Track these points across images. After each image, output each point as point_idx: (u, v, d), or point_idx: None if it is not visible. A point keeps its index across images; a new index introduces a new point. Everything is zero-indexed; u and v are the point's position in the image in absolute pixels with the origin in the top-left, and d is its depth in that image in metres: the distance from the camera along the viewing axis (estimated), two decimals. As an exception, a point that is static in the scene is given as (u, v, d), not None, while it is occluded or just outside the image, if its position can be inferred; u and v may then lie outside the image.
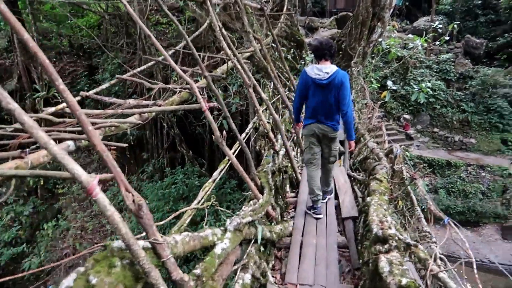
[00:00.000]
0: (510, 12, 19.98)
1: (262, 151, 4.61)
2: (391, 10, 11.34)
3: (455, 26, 13.17)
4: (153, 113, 3.14)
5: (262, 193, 3.27)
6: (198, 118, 13.76)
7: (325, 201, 4.44)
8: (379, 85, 13.15)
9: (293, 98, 7.68)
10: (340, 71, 3.96)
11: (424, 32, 16.93)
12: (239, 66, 4.53)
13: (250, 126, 4.92)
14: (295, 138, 6.20)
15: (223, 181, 12.86)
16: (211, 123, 2.78)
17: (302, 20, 23.32)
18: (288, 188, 4.75)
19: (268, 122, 5.63)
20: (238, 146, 4.56)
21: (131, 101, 3.23)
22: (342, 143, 6.92)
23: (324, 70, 3.94)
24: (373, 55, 13.76)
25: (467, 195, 15.17)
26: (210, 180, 3.58)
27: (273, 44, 8.70)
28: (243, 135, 4.45)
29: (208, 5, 4.37)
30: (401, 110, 18.74)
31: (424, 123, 18.45)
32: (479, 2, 20.86)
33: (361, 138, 5.99)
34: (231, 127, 3.13)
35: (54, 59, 16.17)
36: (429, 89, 13.82)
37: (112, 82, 3.79)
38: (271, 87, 7.01)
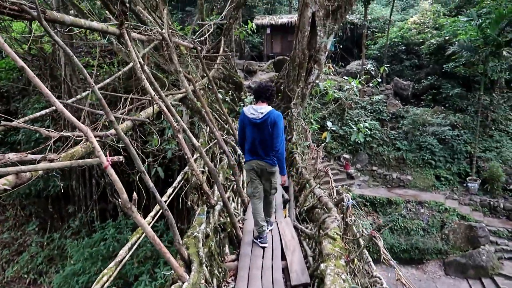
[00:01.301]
0: (431, 57, 21.65)
1: (195, 206, 3.90)
2: (326, 53, 11.50)
3: (386, 69, 13.76)
4: (39, 172, 2.35)
5: (190, 268, 2.54)
6: (133, 164, 12.69)
7: (268, 230, 4.54)
8: (318, 126, 13.16)
9: (231, 142, 7.13)
10: (274, 111, 4.29)
11: (358, 75, 17.66)
12: (165, 109, 3.88)
13: (179, 178, 4.21)
14: (235, 186, 5.57)
15: (160, 234, 11.73)
16: (114, 182, 2.06)
17: (240, 64, 23.51)
18: (227, 249, 4.03)
19: (203, 171, 4.96)
20: (169, 197, 3.82)
21: (11, 155, 2.42)
22: (286, 189, 6.40)
23: (259, 110, 4.27)
24: (311, 97, 13.85)
25: (409, 232, 15.30)
26: (130, 243, 2.78)
27: (210, 86, 8.23)
28: (170, 190, 3.73)
29: (126, 39, 3.74)
30: (341, 150, 19.01)
31: (363, 162, 18.79)
32: (403, 48, 22.42)
33: (306, 184, 5.50)
34: (148, 185, 2.42)
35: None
36: (366, 129, 14.11)
37: (-5, 130, 2.95)
38: (208, 130, 6.40)
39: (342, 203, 3.80)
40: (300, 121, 9.17)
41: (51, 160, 2.55)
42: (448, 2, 23.54)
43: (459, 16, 19.56)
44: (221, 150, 5.82)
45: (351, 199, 3.66)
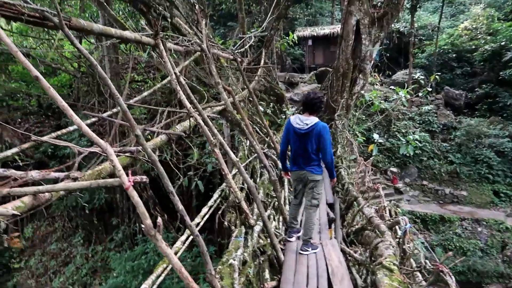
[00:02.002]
0: (485, 64, 20.30)
1: (233, 227, 3.59)
2: (372, 62, 10.98)
3: (437, 77, 12.94)
4: (60, 192, 2.15)
5: (224, 302, 2.23)
6: (173, 178, 12.71)
7: (308, 253, 4.30)
8: (364, 138, 12.54)
9: (272, 156, 6.81)
10: (320, 123, 4.29)
11: (405, 84, 16.83)
12: (201, 122, 3.65)
13: (215, 196, 3.93)
14: (276, 203, 5.22)
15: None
16: (137, 205, 1.80)
17: (282, 76, 23.30)
18: (267, 274, 3.67)
19: (242, 188, 4.66)
20: (202, 218, 3.55)
21: (34, 173, 2.24)
22: (331, 207, 5.95)
23: (305, 121, 4.30)
24: (355, 108, 13.28)
25: (465, 253, 14.11)
26: (155, 274, 2.52)
27: (250, 98, 8.01)
28: (205, 209, 3.45)
29: (161, 49, 3.56)
30: (388, 163, 18.08)
31: (412, 176, 17.75)
32: (454, 55, 21.22)
33: (354, 203, 5.05)
34: (177, 207, 2.15)
35: (19, 119, 15.20)
36: (416, 141, 13.28)
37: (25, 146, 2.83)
38: (248, 144, 6.13)
39: (398, 226, 3.33)
40: (345, 133, 8.70)
41: (75, 179, 2.35)
42: (503, 6, 22.07)
43: (516, 20, 18.29)
44: (262, 165, 5.51)
45: (408, 222, 3.20)
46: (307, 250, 4.30)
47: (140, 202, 1.85)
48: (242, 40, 8.49)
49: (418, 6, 20.69)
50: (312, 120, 4.28)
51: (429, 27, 23.90)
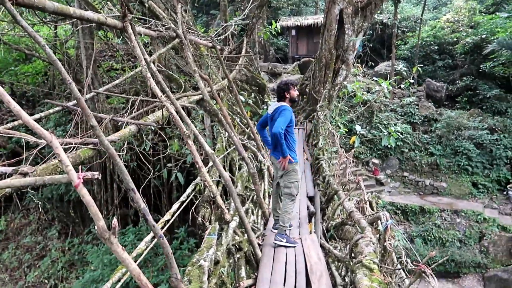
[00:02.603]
0: (466, 56, 20.48)
1: (207, 223, 3.40)
2: (355, 53, 10.85)
3: (419, 69, 12.92)
4: (5, 189, 1.91)
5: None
6: (153, 169, 12.39)
7: (281, 243, 4.22)
8: (346, 129, 12.46)
9: (252, 148, 6.63)
10: (281, 106, 4.40)
11: (388, 76, 16.81)
12: (173, 112, 3.42)
13: (188, 190, 3.72)
14: (255, 196, 5.05)
15: (180, 241, 11.35)
16: (88, 205, 1.59)
17: (265, 66, 23.06)
18: (243, 271, 3.50)
19: (218, 181, 4.47)
20: (172, 216, 3.34)
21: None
22: (311, 200, 5.82)
23: (272, 106, 4.59)
24: (338, 99, 13.18)
25: (444, 244, 14.31)
26: (111, 282, 2.31)
27: (230, 88, 7.77)
28: (176, 205, 3.24)
29: (130, 33, 3.30)
30: (369, 154, 18.13)
31: (393, 167, 17.86)
32: (436, 47, 21.33)
33: (335, 196, 4.91)
34: (138, 206, 1.95)
35: (-10, 108, 14.59)
36: (398, 133, 13.28)
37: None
38: (226, 135, 5.92)
39: (379, 221, 3.20)
40: (327, 125, 8.57)
41: (25, 174, 2.11)
42: (483, 0, 22.25)
43: (496, 13, 18.40)
44: (240, 157, 5.32)
45: (390, 218, 3.06)
46: (281, 241, 4.18)
47: (91, 201, 1.63)
48: (222, 27, 8.20)
49: (402, -3, 20.66)
50: (277, 104, 4.47)
51: (412, 19, 23.95)
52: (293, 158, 4.36)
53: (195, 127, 7.97)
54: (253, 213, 4.86)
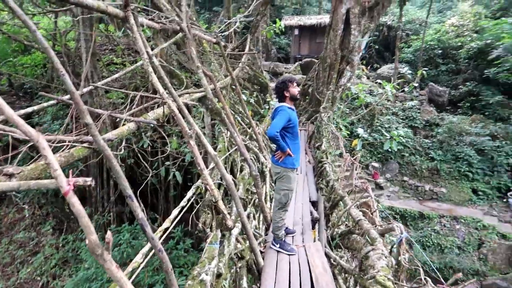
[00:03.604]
0: (469, 62, 20.31)
1: (208, 230, 3.19)
2: (360, 54, 10.64)
3: (424, 72, 12.73)
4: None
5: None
6: (151, 167, 12.16)
7: (273, 247, 4.19)
8: (348, 132, 12.28)
9: (254, 149, 6.41)
10: (279, 105, 4.15)
11: (391, 79, 16.61)
12: (175, 109, 3.20)
13: (189, 194, 3.51)
14: (257, 200, 4.84)
15: (176, 241, 11.14)
16: (78, 215, 1.39)
17: (266, 65, 22.83)
18: (244, 282, 3.29)
19: (220, 184, 4.26)
20: (172, 222, 3.12)
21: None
22: (315, 205, 5.62)
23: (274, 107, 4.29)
24: (340, 101, 12.97)
25: (443, 250, 14.15)
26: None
27: (233, 86, 7.56)
28: (176, 211, 3.02)
29: (132, 23, 3.08)
30: (370, 157, 17.95)
31: (393, 171, 17.69)
32: (440, 51, 21.16)
33: (340, 202, 4.71)
34: (136, 215, 1.74)
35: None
36: (401, 137, 13.10)
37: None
38: (228, 135, 5.71)
39: (392, 233, 3.00)
40: (330, 127, 8.36)
41: (11, 175, 1.90)
42: (490, 4, 22.07)
43: (502, 18, 18.22)
44: (242, 158, 5.11)
45: (404, 230, 2.86)
46: (274, 246, 4.17)
47: (82, 211, 1.42)
48: (226, 23, 7.98)
49: (407, 0, 20.46)
50: (277, 105, 4.22)
51: (417, 22, 23.77)
52: (290, 163, 4.04)
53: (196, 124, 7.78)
54: (254, 218, 4.65)
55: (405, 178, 17.43)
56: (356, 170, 5.29)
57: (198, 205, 3.50)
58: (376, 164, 17.59)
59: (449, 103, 19.99)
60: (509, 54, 15.36)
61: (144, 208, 11.40)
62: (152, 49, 5.61)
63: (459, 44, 20.51)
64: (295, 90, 4.16)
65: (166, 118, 3.76)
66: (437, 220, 14.98)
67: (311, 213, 5.19)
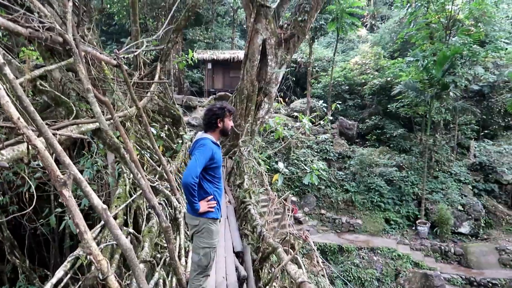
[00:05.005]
0: (373, 97, 21.68)
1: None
2: (277, 85, 10.31)
3: (338, 106, 12.90)
4: None
5: None
6: (39, 213, 10.12)
7: None
8: (268, 167, 11.74)
9: (165, 191, 5.34)
10: (201, 137, 3.27)
11: (304, 113, 16.73)
12: (39, 146, 2.12)
13: (61, 272, 2.34)
14: (168, 258, 3.76)
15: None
16: None
17: (179, 99, 21.83)
18: None
19: (114, 247, 3.14)
20: None
21: None
22: (239, 257, 4.69)
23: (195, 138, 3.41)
24: (258, 134, 12.49)
25: (363, 283, 14.03)
26: None
27: (139, 118, 6.47)
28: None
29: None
30: (287, 191, 17.66)
31: (311, 204, 17.57)
32: (346, 87, 22.34)
33: (273, 254, 3.85)
34: None
35: None
36: (320, 171, 12.90)
37: None
38: (130, 176, 4.59)
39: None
40: (251, 162, 7.62)
41: None
42: (386, 46, 24.15)
43: (399, 58, 19.85)
44: (149, 206, 4.03)
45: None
46: None
47: None
48: (129, 46, 6.94)
49: (316, 38, 21.38)
50: (199, 136, 3.34)
51: (324, 59, 25.01)
52: (212, 213, 3.17)
53: (95, 163, 6.42)
54: (165, 284, 3.56)
55: (323, 211, 17.40)
56: (289, 215, 4.53)
57: (78, 284, 2.36)
58: (294, 198, 17.32)
59: (358, 136, 20.93)
60: (409, 90, 16.55)
61: (31, 265, 9.25)
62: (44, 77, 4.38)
63: (363, 81, 21.87)
64: (230, 123, 3.43)
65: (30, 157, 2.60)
66: (356, 253, 14.95)
67: (237, 269, 4.25)
